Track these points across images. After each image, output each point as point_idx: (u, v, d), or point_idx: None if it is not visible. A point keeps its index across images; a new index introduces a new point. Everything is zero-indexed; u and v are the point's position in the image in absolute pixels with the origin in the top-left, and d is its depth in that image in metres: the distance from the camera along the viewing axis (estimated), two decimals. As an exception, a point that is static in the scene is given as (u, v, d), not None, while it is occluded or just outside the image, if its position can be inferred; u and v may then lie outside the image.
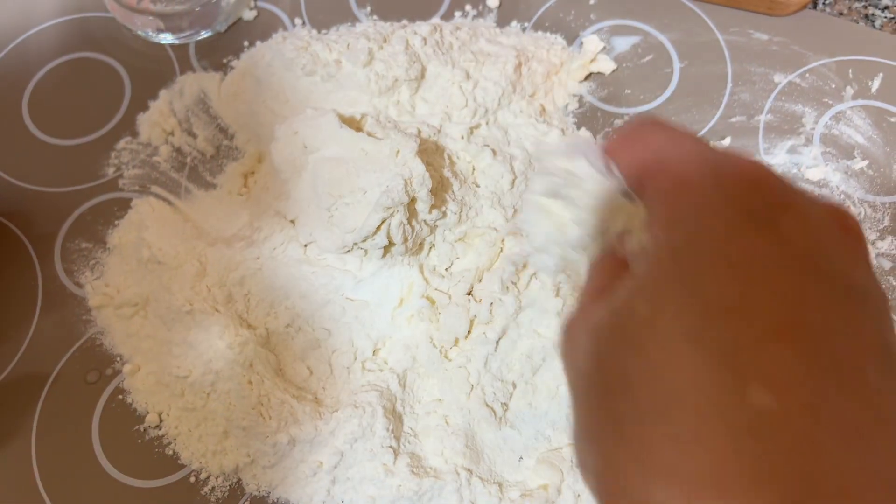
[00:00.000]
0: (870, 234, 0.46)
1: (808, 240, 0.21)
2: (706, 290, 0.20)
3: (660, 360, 0.20)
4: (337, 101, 0.48)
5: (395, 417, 0.42)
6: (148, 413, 0.44)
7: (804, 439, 0.18)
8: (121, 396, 0.45)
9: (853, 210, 0.22)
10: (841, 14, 0.53)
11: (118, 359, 0.45)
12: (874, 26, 0.52)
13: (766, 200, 0.21)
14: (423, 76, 0.48)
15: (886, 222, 0.46)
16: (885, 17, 0.52)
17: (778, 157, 0.48)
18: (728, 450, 0.18)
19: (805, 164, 0.48)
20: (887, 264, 0.45)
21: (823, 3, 0.53)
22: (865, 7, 0.53)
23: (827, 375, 0.19)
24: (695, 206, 0.22)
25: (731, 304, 0.20)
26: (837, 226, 0.22)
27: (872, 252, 0.46)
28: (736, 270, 0.20)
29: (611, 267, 0.26)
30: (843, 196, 0.47)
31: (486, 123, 0.48)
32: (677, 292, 0.20)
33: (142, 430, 0.44)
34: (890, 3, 0.53)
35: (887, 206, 0.47)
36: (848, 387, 0.19)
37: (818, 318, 0.20)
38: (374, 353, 0.44)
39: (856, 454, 0.18)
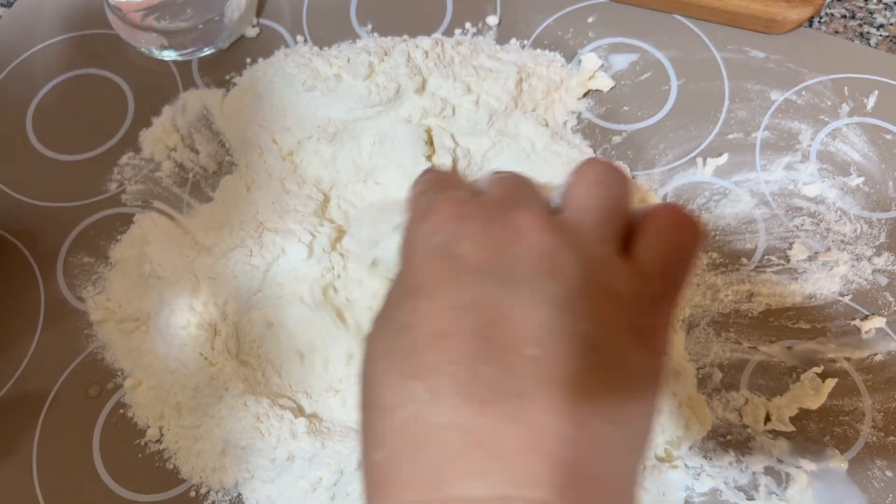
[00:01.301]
0: (866, 251, 0.47)
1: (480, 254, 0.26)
2: (397, 318, 0.26)
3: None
4: (336, 111, 0.48)
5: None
6: (149, 427, 0.44)
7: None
8: (122, 411, 0.45)
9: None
10: (836, 32, 0.53)
11: (119, 373, 0.46)
12: (869, 44, 0.53)
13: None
14: (423, 88, 0.49)
15: (883, 238, 0.47)
16: (881, 36, 0.53)
17: (775, 174, 0.49)
18: None
19: (802, 180, 0.49)
20: (884, 280, 0.46)
21: (819, 22, 0.54)
22: (861, 25, 0.53)
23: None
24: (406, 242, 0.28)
25: (409, 323, 0.25)
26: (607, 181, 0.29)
27: (869, 268, 0.46)
28: (413, 297, 0.26)
29: None
30: (839, 212, 0.48)
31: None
32: (386, 327, 0.26)
33: (143, 444, 0.44)
34: (885, 22, 0.53)
35: (883, 222, 0.47)
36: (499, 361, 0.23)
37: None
38: None
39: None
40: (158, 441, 0.44)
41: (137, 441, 0.44)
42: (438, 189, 0.29)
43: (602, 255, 0.26)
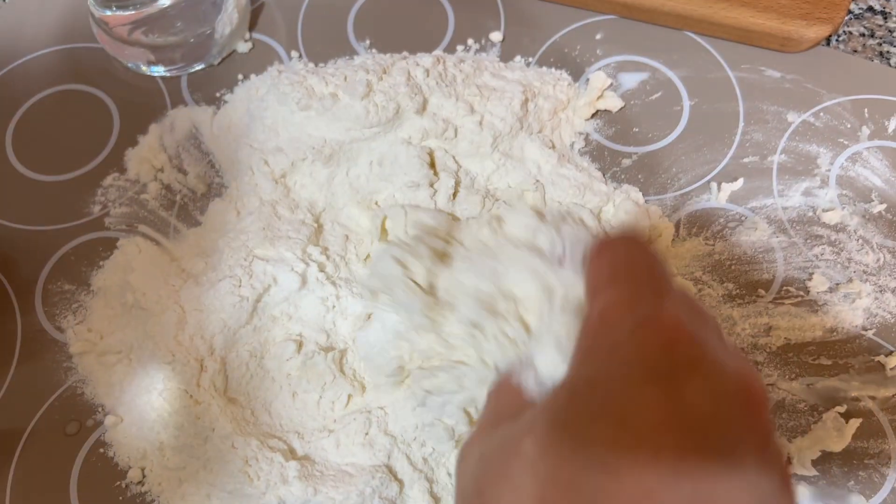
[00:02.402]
0: (889, 282, 0.44)
1: (706, 405, 0.21)
2: (588, 445, 0.21)
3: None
4: (332, 132, 0.46)
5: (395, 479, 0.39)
6: (130, 468, 0.42)
7: None
8: (102, 450, 0.42)
9: (763, 382, 0.22)
10: (855, 51, 0.51)
11: (100, 409, 0.43)
12: (889, 64, 0.51)
13: (674, 360, 0.22)
14: (424, 108, 0.46)
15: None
16: (901, 55, 0.51)
17: (793, 200, 0.47)
18: None
19: (821, 206, 0.46)
20: (908, 313, 0.43)
21: (837, 40, 0.51)
22: (880, 45, 0.51)
23: None
24: (606, 350, 0.23)
25: (608, 466, 0.20)
26: (742, 395, 0.22)
27: (893, 301, 0.44)
28: (621, 428, 0.21)
29: (507, 395, 0.28)
30: (861, 241, 0.45)
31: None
32: (563, 442, 0.21)
33: (123, 486, 0.41)
34: (905, 41, 0.51)
35: (907, 251, 0.45)
36: None
37: (687, 487, 0.20)
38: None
39: None
40: (140, 483, 0.41)
41: (118, 482, 0.41)
42: (636, 292, 0.25)
43: None
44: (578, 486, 0.20)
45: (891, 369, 0.42)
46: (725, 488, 0.20)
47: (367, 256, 0.45)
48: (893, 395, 0.42)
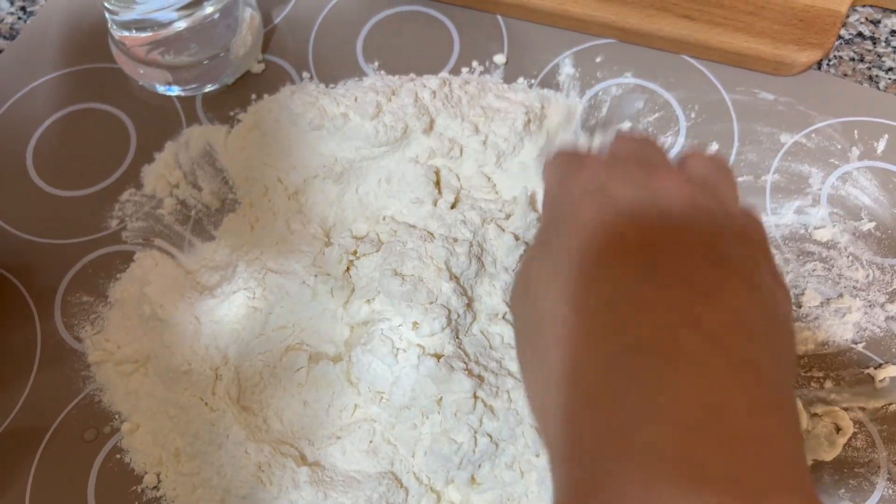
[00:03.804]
0: (879, 297, 0.46)
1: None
2: (558, 247, 0.29)
3: (539, 293, 0.29)
4: (343, 150, 0.48)
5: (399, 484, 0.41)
6: (146, 473, 0.43)
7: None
8: (118, 456, 0.44)
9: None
10: (846, 75, 0.53)
11: (117, 416, 0.45)
12: (878, 88, 0.52)
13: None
14: (431, 128, 0.48)
15: (895, 285, 0.46)
16: (890, 79, 0.53)
17: (785, 218, 0.48)
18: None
19: (813, 224, 0.48)
20: (897, 328, 0.45)
21: (828, 64, 0.53)
22: (869, 69, 0.53)
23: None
24: (556, 195, 0.32)
25: (577, 255, 0.28)
26: (715, 166, 0.32)
27: (882, 315, 0.45)
28: (578, 226, 0.29)
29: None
30: (851, 258, 0.47)
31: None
32: (543, 251, 0.30)
33: (139, 490, 0.43)
34: (894, 65, 0.53)
35: (896, 268, 0.47)
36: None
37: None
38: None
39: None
40: (156, 488, 0.43)
41: (134, 488, 0.43)
42: (576, 158, 0.33)
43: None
44: (558, 274, 0.29)
45: (880, 381, 0.44)
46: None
47: None
48: (882, 406, 0.43)
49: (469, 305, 0.43)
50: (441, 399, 0.41)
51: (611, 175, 0.30)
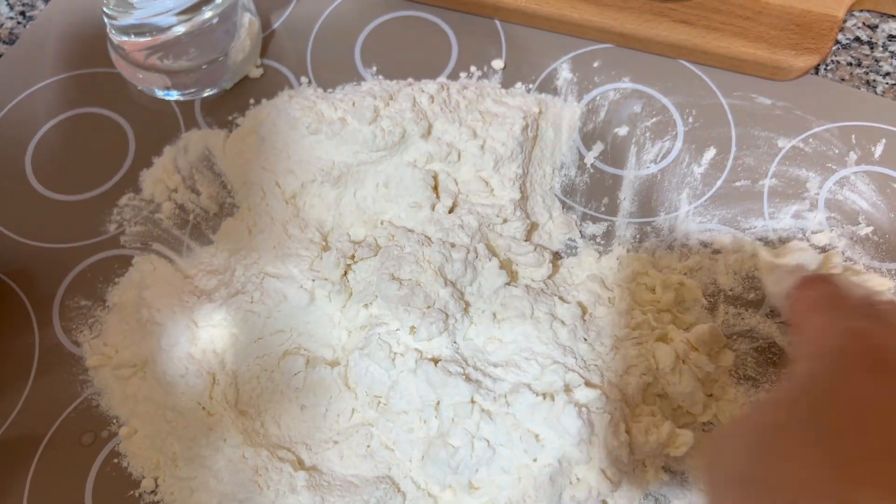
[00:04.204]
0: (876, 302, 0.46)
1: None
2: (829, 411, 0.27)
3: (791, 455, 0.26)
4: (341, 155, 0.48)
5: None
6: (144, 478, 0.43)
7: None
8: (116, 460, 0.44)
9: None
10: (843, 80, 0.53)
11: (114, 421, 0.45)
12: (876, 92, 0.53)
13: (882, 357, 0.29)
14: (429, 133, 0.48)
15: (894, 289, 0.46)
16: (887, 84, 0.53)
17: (783, 222, 0.48)
18: None
19: (810, 228, 0.48)
20: (894, 332, 0.45)
21: (825, 69, 0.53)
22: (867, 73, 0.53)
23: None
24: (829, 352, 0.30)
25: (847, 425, 0.26)
26: None
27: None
28: (850, 402, 0.27)
29: None
30: (849, 262, 0.47)
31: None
32: (809, 408, 0.27)
33: (137, 495, 0.43)
34: (891, 70, 0.53)
35: (893, 272, 0.47)
36: None
37: None
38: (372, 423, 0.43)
39: None
40: (153, 492, 0.43)
41: (131, 492, 0.43)
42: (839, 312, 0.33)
43: None
44: (826, 440, 0.26)
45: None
46: None
47: None
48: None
49: (466, 310, 0.43)
50: (438, 403, 0.41)
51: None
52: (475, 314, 0.43)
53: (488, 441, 0.40)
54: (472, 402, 0.40)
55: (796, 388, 0.29)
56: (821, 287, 0.37)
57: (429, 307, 0.42)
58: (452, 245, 0.44)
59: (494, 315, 0.43)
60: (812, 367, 0.30)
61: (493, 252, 0.45)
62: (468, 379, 0.40)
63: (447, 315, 0.42)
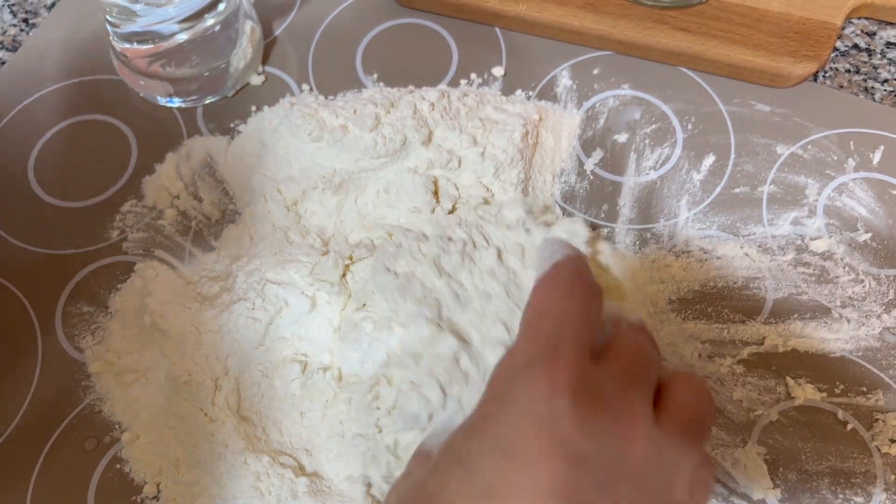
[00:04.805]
0: (875, 308, 0.46)
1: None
2: (479, 474, 0.26)
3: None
4: (342, 162, 0.48)
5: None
6: (146, 483, 0.43)
7: None
8: (118, 466, 0.44)
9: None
10: (841, 87, 0.53)
11: (117, 427, 0.45)
12: (874, 99, 0.53)
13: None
14: (429, 140, 0.48)
15: (891, 295, 0.46)
16: (885, 91, 0.53)
17: (782, 229, 0.49)
18: None
19: (809, 235, 0.48)
20: (892, 339, 0.45)
21: (824, 76, 0.54)
22: (865, 80, 0.54)
23: None
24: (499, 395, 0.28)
25: (497, 487, 0.25)
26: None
27: (878, 326, 0.46)
28: (504, 457, 0.26)
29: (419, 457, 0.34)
30: (847, 268, 0.47)
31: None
32: (458, 475, 0.26)
33: (139, 500, 0.43)
34: (889, 77, 0.54)
35: (892, 278, 0.47)
36: None
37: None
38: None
39: None
40: (155, 498, 0.43)
41: (134, 497, 0.43)
42: (563, 321, 0.29)
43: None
44: None
45: (874, 391, 0.44)
46: None
47: None
48: (878, 419, 0.44)
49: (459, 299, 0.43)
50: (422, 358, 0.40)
51: (572, 409, 0.26)
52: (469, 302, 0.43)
53: (461, 402, 0.39)
54: (456, 361, 0.39)
55: (445, 451, 0.29)
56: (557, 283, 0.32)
57: (425, 297, 0.41)
58: (449, 238, 0.44)
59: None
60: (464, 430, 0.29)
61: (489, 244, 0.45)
62: (459, 338, 0.40)
63: (441, 305, 0.41)
